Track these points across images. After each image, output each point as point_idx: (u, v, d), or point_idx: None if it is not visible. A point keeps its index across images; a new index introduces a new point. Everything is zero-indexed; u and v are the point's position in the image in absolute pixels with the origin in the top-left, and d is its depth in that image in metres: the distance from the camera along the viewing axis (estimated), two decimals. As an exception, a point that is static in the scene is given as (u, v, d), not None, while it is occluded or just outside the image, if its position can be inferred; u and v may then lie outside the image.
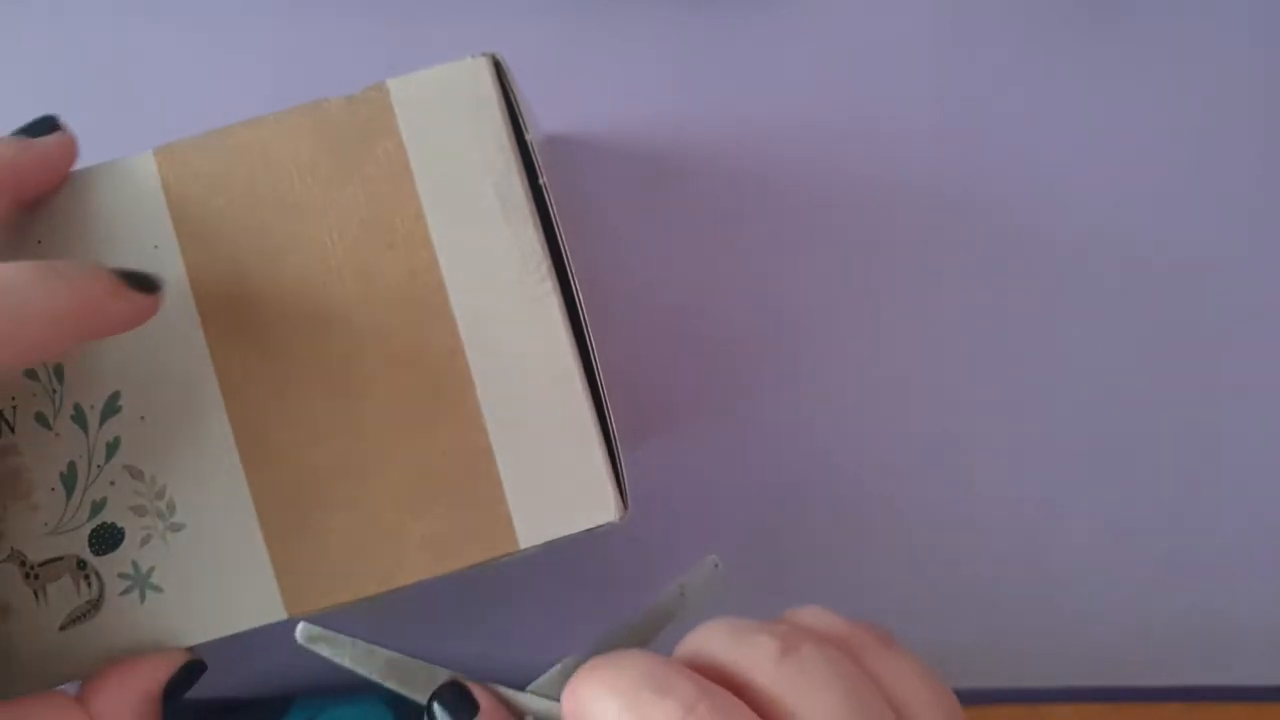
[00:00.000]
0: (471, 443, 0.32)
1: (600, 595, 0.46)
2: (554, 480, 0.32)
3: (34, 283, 0.27)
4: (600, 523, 0.32)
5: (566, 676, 0.31)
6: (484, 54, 0.32)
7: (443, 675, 0.32)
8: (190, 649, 0.32)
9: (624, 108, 0.45)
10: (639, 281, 0.45)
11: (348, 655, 0.32)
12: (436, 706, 0.31)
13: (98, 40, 0.45)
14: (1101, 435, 0.46)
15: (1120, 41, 0.46)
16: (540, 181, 0.32)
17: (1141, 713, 0.47)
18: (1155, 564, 0.46)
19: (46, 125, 0.31)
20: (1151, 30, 0.46)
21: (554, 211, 0.32)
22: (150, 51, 0.45)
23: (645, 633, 0.33)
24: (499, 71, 0.32)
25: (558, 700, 0.31)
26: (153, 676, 0.31)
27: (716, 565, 0.34)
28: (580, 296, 0.32)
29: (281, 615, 0.32)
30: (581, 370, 0.32)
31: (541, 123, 0.40)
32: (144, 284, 0.30)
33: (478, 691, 0.31)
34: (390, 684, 0.32)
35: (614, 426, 0.32)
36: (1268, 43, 0.45)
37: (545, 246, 0.32)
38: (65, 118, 0.30)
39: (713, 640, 0.28)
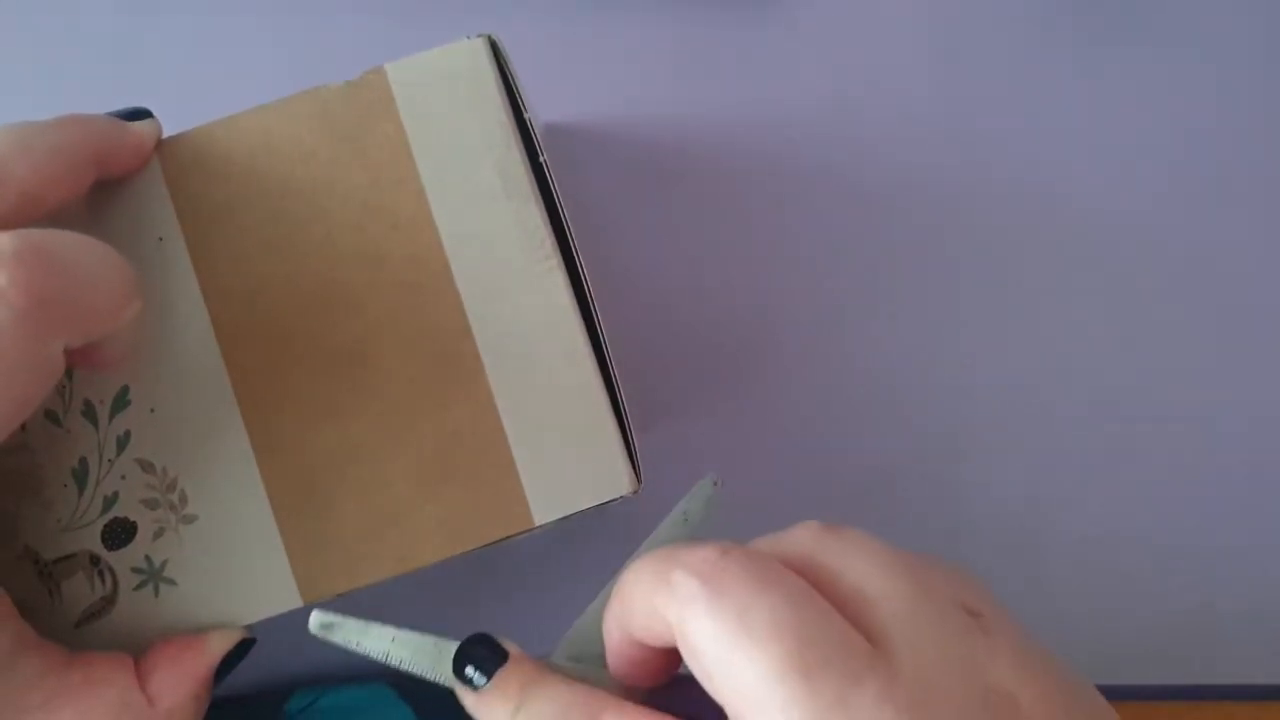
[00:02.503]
0: (482, 421, 0.32)
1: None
2: (566, 455, 0.32)
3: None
4: (615, 496, 0.32)
5: (590, 628, 0.31)
6: (480, 35, 0.32)
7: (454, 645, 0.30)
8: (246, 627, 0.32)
9: (622, 103, 0.46)
10: (637, 273, 0.46)
11: (357, 639, 0.31)
12: (468, 665, 0.30)
13: (96, 32, 0.45)
14: (1101, 434, 0.46)
15: (1118, 43, 0.46)
16: (540, 159, 0.32)
17: (1141, 712, 0.47)
18: (1155, 563, 0.46)
19: (141, 113, 0.32)
20: (1148, 31, 0.46)
21: (555, 188, 0.32)
22: (148, 43, 0.45)
23: None
24: (495, 52, 0.32)
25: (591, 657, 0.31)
26: (208, 657, 0.31)
27: (716, 483, 0.33)
28: (585, 271, 0.32)
29: (297, 603, 0.32)
30: (589, 344, 0.32)
31: (538, 108, 0.40)
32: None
33: (505, 642, 0.30)
34: (406, 666, 0.31)
35: (624, 400, 0.32)
36: (1265, 46, 0.46)
37: (548, 223, 0.32)
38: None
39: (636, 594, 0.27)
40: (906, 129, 0.46)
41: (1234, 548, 0.46)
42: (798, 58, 0.46)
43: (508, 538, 0.32)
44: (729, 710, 0.25)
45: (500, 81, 0.32)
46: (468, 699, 0.30)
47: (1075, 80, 0.46)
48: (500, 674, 0.29)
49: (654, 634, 0.27)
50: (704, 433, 0.46)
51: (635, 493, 0.32)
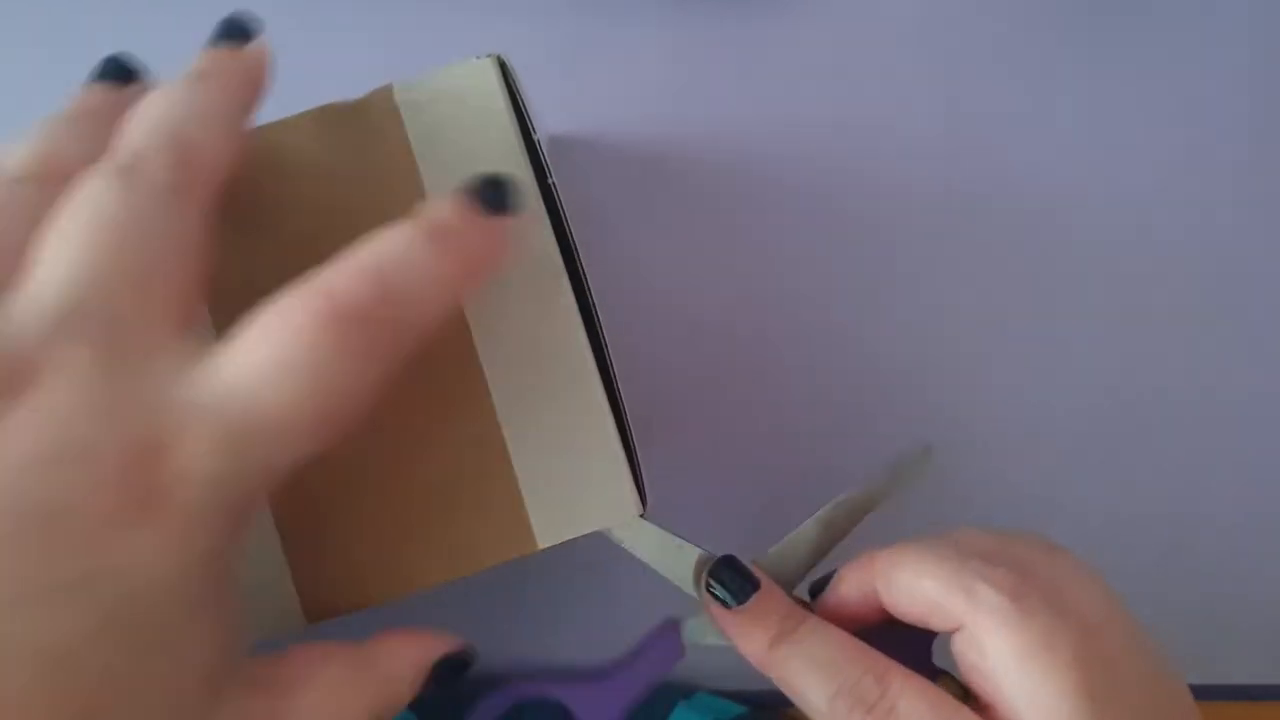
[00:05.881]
0: (487, 444, 0.32)
1: (605, 596, 0.46)
2: (571, 479, 0.32)
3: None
4: (620, 519, 0.32)
5: (805, 544, 0.36)
6: (489, 55, 0.32)
7: (706, 555, 0.35)
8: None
9: (625, 109, 0.46)
10: (641, 282, 0.45)
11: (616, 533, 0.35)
12: (714, 584, 0.34)
13: (102, 42, 0.45)
14: (1100, 433, 0.46)
15: (1118, 43, 0.46)
16: (549, 181, 0.32)
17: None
18: (1155, 564, 0.46)
19: (242, 30, 0.30)
20: (1148, 32, 0.46)
21: (563, 211, 0.32)
22: (157, 59, 0.45)
23: (858, 512, 0.37)
24: (504, 72, 0.32)
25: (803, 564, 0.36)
26: (434, 649, 0.31)
27: (928, 450, 0.37)
28: (592, 295, 0.32)
29: (301, 624, 0.31)
30: (596, 368, 0.32)
31: (543, 124, 0.40)
32: (498, 204, 0.28)
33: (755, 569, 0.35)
34: (645, 558, 0.36)
35: (629, 422, 0.32)
36: (1264, 47, 0.46)
37: (556, 245, 0.32)
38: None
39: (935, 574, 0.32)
40: (908, 129, 0.46)
41: (1234, 548, 0.46)
42: (798, 64, 0.46)
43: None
44: (1009, 707, 0.30)
45: (509, 102, 0.32)
46: (720, 615, 0.34)
47: (1077, 79, 0.47)
48: (758, 600, 0.34)
49: (913, 614, 0.32)
50: (707, 442, 0.46)
51: (640, 516, 0.32)
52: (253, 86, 0.30)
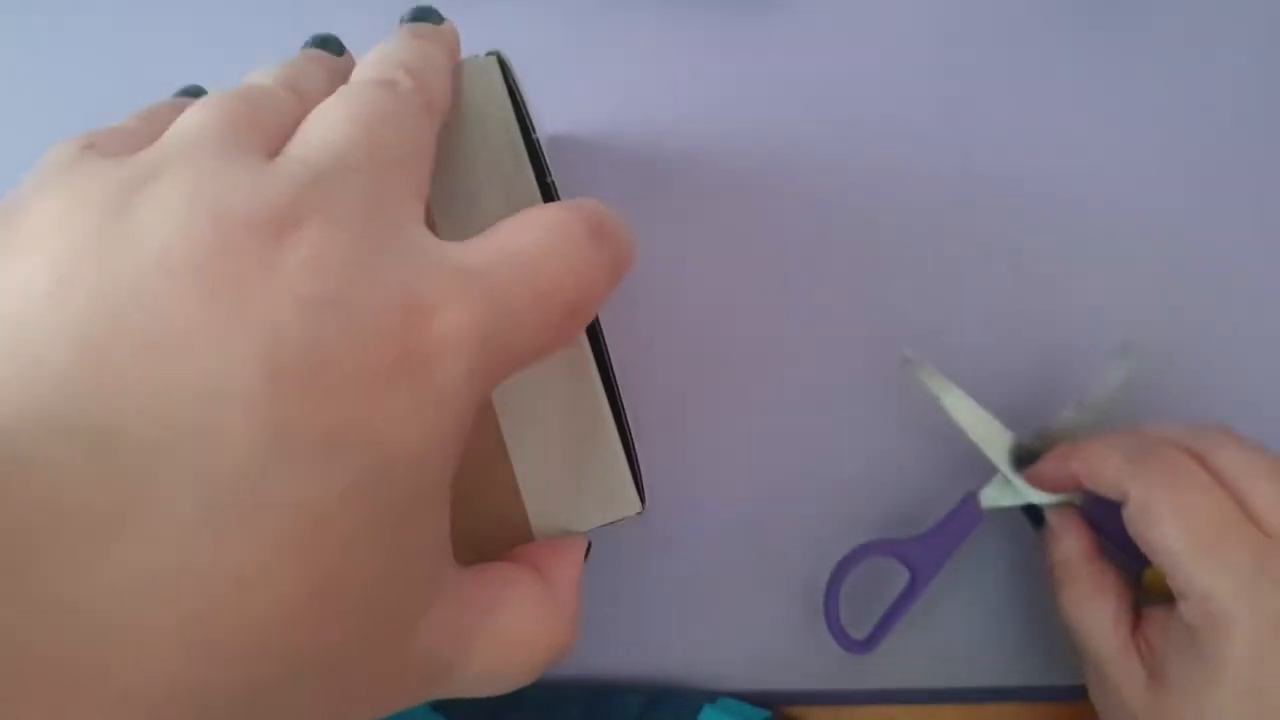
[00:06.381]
0: (485, 441, 0.31)
1: (605, 597, 0.46)
2: (570, 476, 0.32)
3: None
4: (619, 518, 0.32)
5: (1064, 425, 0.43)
6: (490, 53, 0.31)
7: (1008, 439, 0.43)
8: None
9: (625, 109, 0.46)
10: (641, 281, 0.45)
11: (936, 388, 0.43)
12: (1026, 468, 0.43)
13: (98, 49, 0.45)
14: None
15: (1116, 44, 0.46)
16: (548, 180, 0.31)
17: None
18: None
19: (435, 14, 0.31)
20: (1146, 34, 0.46)
21: (562, 209, 0.32)
22: (151, 59, 0.45)
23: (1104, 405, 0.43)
24: (504, 70, 0.31)
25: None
26: (580, 545, 0.31)
27: (1129, 344, 0.43)
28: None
29: None
30: (595, 362, 0.32)
31: (543, 124, 0.40)
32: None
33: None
34: (967, 430, 0.43)
35: (628, 420, 0.32)
36: (1265, 48, 0.46)
37: None
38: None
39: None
40: (908, 129, 0.46)
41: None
42: (798, 64, 0.46)
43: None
44: (1156, 556, 0.37)
45: (509, 100, 0.31)
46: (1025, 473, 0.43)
47: (1078, 79, 0.47)
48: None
49: (1099, 486, 0.39)
50: (707, 442, 0.46)
51: (639, 514, 0.32)
52: (453, 54, 0.31)
